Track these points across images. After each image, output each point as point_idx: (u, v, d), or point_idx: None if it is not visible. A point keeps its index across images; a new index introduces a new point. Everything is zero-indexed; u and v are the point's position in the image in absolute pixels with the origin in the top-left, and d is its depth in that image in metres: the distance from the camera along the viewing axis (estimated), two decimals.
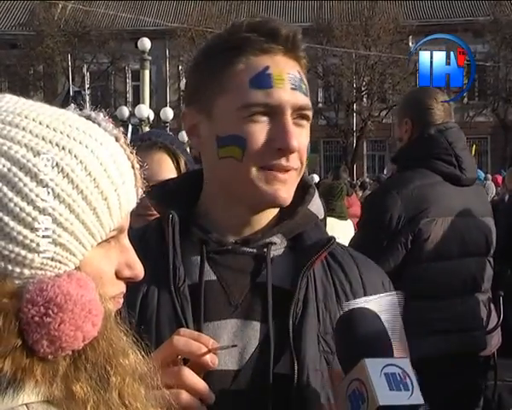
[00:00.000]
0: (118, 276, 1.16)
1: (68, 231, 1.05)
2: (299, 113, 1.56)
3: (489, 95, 40.20)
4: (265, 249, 1.61)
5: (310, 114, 1.58)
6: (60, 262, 1.05)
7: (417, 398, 1.20)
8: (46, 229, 1.03)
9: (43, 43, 40.15)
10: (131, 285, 1.55)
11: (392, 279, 3.38)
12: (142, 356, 1.14)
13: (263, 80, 1.53)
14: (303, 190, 1.69)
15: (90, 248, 1.08)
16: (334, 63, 40.18)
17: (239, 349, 1.54)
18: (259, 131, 1.53)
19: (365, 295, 1.65)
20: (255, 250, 1.62)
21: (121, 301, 1.19)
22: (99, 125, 1.15)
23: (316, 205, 1.70)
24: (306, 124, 1.59)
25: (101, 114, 1.17)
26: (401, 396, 1.18)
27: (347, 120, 40.88)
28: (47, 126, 1.08)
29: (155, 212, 2.52)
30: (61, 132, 1.08)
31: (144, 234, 1.69)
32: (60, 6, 42.24)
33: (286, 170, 1.55)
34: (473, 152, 23.46)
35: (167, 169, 2.65)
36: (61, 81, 38.96)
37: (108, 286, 1.13)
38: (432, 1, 43.01)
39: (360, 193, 14.22)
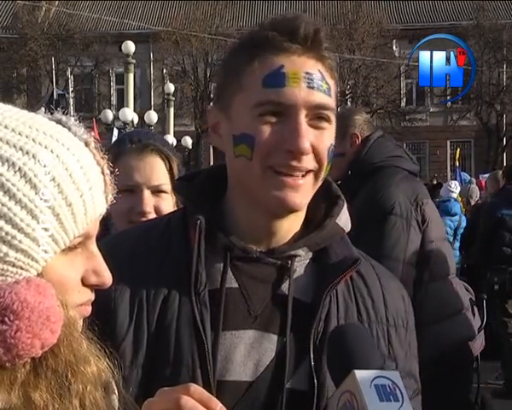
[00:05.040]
0: (84, 283, 1.13)
1: (30, 236, 1.02)
2: (316, 113, 1.50)
3: (472, 99, 40.39)
4: (289, 261, 1.58)
5: (330, 114, 1.52)
6: (21, 268, 1.03)
7: (407, 409, 1.20)
8: (7, 234, 1.01)
9: (27, 46, 40.00)
10: (153, 286, 1.54)
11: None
12: (107, 363, 1.12)
13: (275, 79, 1.49)
14: (331, 201, 1.64)
15: (53, 254, 1.06)
16: None
17: (254, 361, 1.51)
18: (269, 130, 1.49)
19: (386, 311, 1.63)
20: (279, 261, 1.58)
21: (89, 308, 1.16)
22: (69, 129, 1.13)
23: (344, 218, 1.64)
24: (328, 125, 1.52)
25: (72, 118, 1.15)
26: (391, 407, 1.19)
27: None
28: (12, 130, 1.05)
29: (150, 219, 2.51)
30: (27, 136, 1.05)
31: (168, 225, 1.65)
32: (43, 9, 42.11)
33: (299, 172, 1.50)
34: (457, 155, 23.58)
35: (160, 173, 2.59)
36: (44, 84, 38.84)
37: (74, 293, 1.11)
38: (416, 5, 43.20)
39: None
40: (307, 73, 1.50)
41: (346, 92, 40.79)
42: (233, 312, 1.53)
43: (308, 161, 1.50)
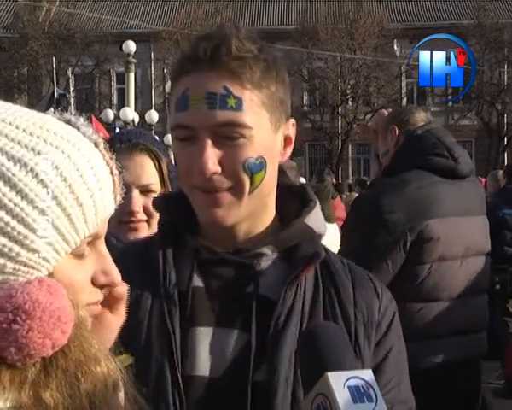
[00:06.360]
0: (94, 283, 1.14)
1: (42, 236, 1.03)
2: (222, 132, 1.51)
3: (473, 98, 40.37)
4: (255, 260, 1.61)
5: (241, 131, 1.51)
6: (32, 268, 1.04)
7: (382, 409, 1.20)
8: (19, 234, 1.02)
9: (28, 46, 39.98)
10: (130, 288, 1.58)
11: (391, 283, 3.45)
12: (116, 363, 1.13)
13: (181, 102, 1.53)
14: (303, 204, 1.68)
15: (64, 254, 1.07)
16: (320, 66, 40.25)
17: (219, 356, 1.55)
18: (183, 152, 1.55)
19: (355, 309, 1.63)
20: (245, 260, 1.62)
21: (98, 307, 1.17)
22: (78, 129, 1.14)
23: (314, 219, 1.67)
24: (242, 140, 1.52)
25: (82, 119, 1.16)
26: (365, 408, 1.19)
27: (332, 123, 40.95)
28: (23, 131, 1.06)
29: (139, 218, 2.54)
30: (38, 137, 1.06)
31: (155, 237, 1.71)
32: (44, 8, 42.11)
33: (214, 190, 1.53)
34: None
35: (150, 172, 2.59)
36: (45, 84, 38.82)
37: (84, 293, 1.12)
38: (416, 4, 43.20)
39: (344, 196, 14.22)
40: (209, 93, 1.51)
41: (347, 92, 40.80)
42: (199, 310, 1.58)
43: (220, 181, 1.53)
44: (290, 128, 1.65)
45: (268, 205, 1.65)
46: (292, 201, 1.70)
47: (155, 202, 1.76)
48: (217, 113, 1.50)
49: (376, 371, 1.57)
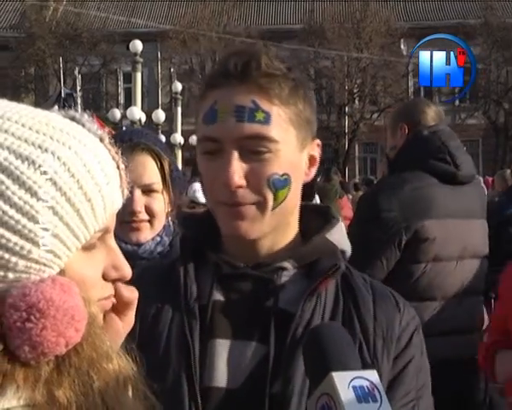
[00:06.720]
0: (105, 278, 1.15)
1: (53, 233, 1.04)
2: (249, 145, 1.52)
3: (480, 97, 40.32)
4: (275, 275, 1.62)
5: (268, 145, 1.53)
6: (44, 265, 1.04)
7: (386, 409, 1.20)
8: (30, 232, 1.02)
9: (35, 46, 40.11)
10: (149, 301, 1.58)
11: (386, 280, 3.44)
12: (127, 360, 1.14)
13: (209, 115, 1.54)
14: (325, 220, 1.69)
15: (75, 250, 1.07)
16: (326, 66, 40.25)
17: (238, 369, 1.56)
18: (209, 166, 1.55)
19: (375, 323, 1.63)
20: (265, 275, 1.62)
21: (110, 302, 1.17)
22: (83, 126, 1.15)
23: (337, 235, 1.67)
24: (269, 155, 1.53)
25: (86, 115, 1.17)
26: (370, 408, 1.19)
27: (339, 122, 40.94)
28: (29, 128, 1.07)
29: (141, 218, 2.54)
30: (44, 134, 1.07)
31: (172, 259, 1.74)
32: (51, 8, 42.21)
33: (238, 204, 1.54)
34: None
35: (152, 171, 2.57)
36: (52, 83, 38.91)
37: (96, 289, 1.13)
38: (423, 4, 43.15)
39: (350, 196, 14.22)
40: (237, 106, 1.52)
41: (354, 91, 40.80)
42: (219, 323, 1.59)
43: (245, 195, 1.53)
44: (315, 148, 1.66)
45: (291, 223, 1.66)
46: (315, 219, 1.70)
47: (180, 220, 1.78)
48: (245, 125, 1.51)
49: (394, 383, 1.60)
